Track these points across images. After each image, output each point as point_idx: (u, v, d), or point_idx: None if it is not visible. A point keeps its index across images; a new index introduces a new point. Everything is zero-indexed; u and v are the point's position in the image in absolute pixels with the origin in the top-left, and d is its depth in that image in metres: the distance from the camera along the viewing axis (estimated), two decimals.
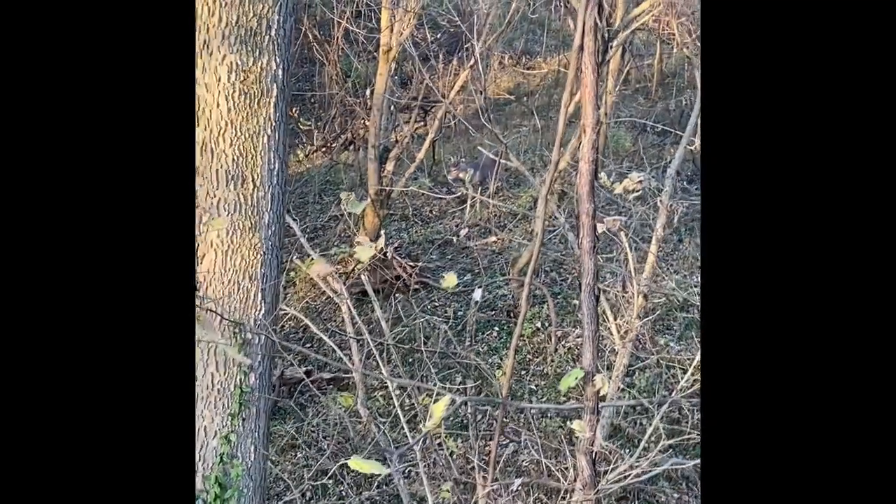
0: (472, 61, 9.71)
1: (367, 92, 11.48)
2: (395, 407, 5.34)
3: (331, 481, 6.66)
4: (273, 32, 4.03)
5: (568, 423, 6.63)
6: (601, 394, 2.69)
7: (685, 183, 9.75)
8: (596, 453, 2.73)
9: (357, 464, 1.89)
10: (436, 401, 2.74)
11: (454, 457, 5.74)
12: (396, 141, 10.55)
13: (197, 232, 4.25)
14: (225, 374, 4.35)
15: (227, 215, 4.19)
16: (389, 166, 9.97)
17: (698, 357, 5.03)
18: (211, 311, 3.98)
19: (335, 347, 5.25)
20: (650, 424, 6.28)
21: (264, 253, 4.31)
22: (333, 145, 12.70)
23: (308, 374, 7.79)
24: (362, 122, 11.70)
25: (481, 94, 8.41)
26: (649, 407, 4.87)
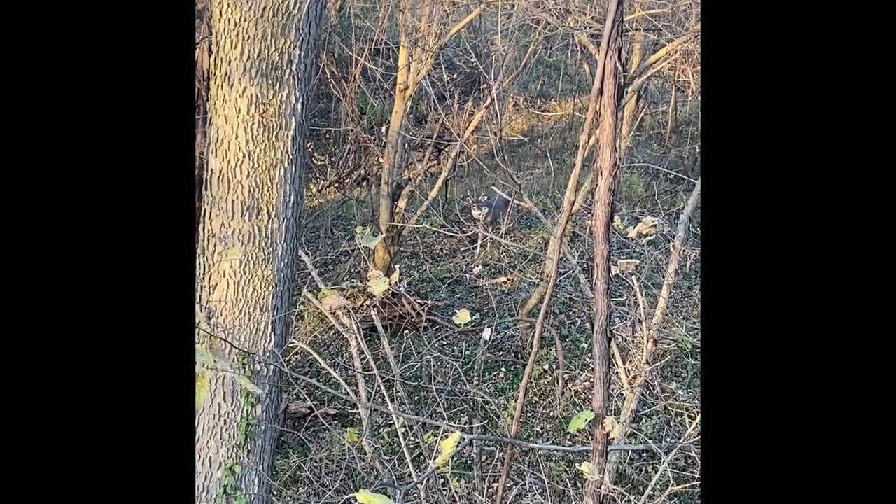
0: (487, 102, 9.78)
1: (382, 129, 11.56)
2: (399, 445, 5.32)
3: None
4: (294, 67, 4.07)
5: (574, 465, 6.58)
6: (610, 437, 2.68)
7: (697, 229, 9.75)
8: (604, 497, 2.71)
9: (366, 497, 1.88)
10: (443, 438, 2.72)
11: (458, 497, 5.70)
12: (409, 178, 10.60)
13: (211, 262, 4.26)
14: (232, 404, 4.35)
15: (241, 246, 4.21)
16: (402, 203, 10.01)
17: None
18: (222, 339, 3.99)
19: (342, 382, 5.24)
20: (656, 472, 6.23)
21: (276, 285, 4.32)
22: (346, 181, 12.77)
23: (313, 408, 7.76)
24: (376, 158, 11.78)
25: (496, 134, 8.45)
26: (658, 452, 4.84)
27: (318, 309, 8.60)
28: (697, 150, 12.87)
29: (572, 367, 8.56)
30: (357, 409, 7.52)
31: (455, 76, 11.60)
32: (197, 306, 4.25)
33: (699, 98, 12.11)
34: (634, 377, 5.75)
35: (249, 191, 4.17)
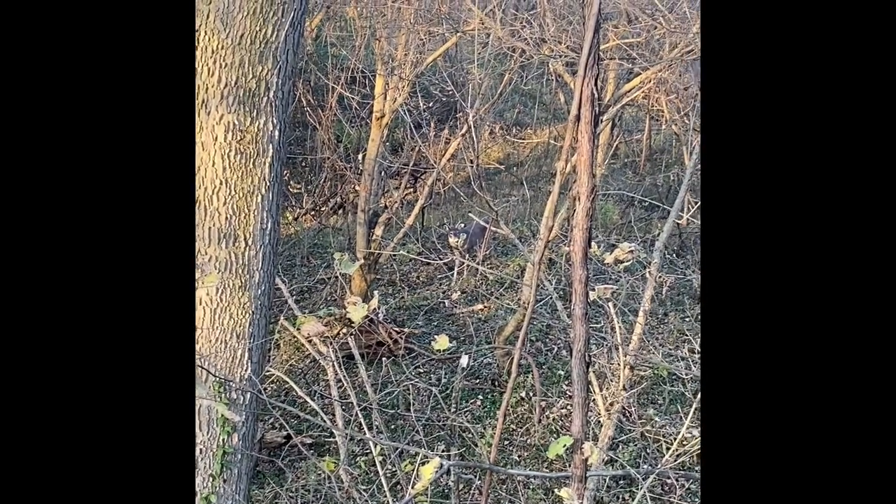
0: (463, 130, 9.83)
1: (359, 157, 11.58)
2: (376, 473, 5.28)
3: None
4: (271, 94, 4.07)
5: (552, 493, 6.55)
6: (589, 462, 2.68)
7: (673, 256, 9.82)
8: None
9: None
10: (422, 464, 2.71)
11: None
12: (386, 206, 10.61)
13: None
14: (208, 433, 4.30)
15: (218, 273, 4.19)
16: (378, 231, 10.01)
17: (683, 431, 5.02)
18: (199, 366, 3.96)
19: (318, 410, 5.21)
20: (633, 499, 6.22)
21: (253, 312, 4.30)
22: (323, 209, 12.75)
23: (289, 437, 7.70)
24: (352, 186, 11.78)
25: (472, 162, 8.48)
26: (636, 478, 4.83)
27: (294, 337, 8.55)
28: (671, 177, 12.98)
29: (549, 395, 8.55)
30: (334, 437, 7.46)
31: (431, 104, 11.67)
32: None
33: (672, 126, 12.23)
34: (612, 403, 5.75)
35: (226, 218, 4.16)
